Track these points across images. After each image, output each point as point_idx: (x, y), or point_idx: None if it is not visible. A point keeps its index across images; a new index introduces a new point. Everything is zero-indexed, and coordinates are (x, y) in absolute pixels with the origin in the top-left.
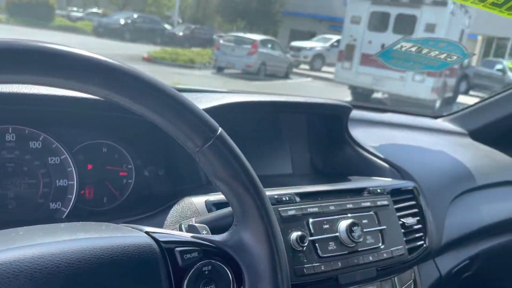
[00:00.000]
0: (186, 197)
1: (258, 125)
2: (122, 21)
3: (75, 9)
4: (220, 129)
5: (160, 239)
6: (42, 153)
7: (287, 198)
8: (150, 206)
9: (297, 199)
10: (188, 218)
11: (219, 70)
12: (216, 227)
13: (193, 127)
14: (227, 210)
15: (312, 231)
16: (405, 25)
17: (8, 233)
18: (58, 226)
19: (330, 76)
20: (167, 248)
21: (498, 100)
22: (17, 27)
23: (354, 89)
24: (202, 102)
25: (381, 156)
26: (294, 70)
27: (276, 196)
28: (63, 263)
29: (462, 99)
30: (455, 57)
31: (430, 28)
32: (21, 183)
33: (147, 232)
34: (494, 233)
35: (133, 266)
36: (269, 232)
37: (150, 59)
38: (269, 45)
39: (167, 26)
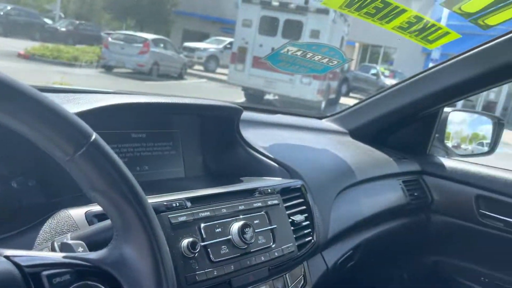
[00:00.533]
0: (63, 209)
1: (147, 128)
2: None
3: None
4: (94, 135)
5: (23, 263)
6: None
7: (178, 204)
8: (19, 222)
9: (188, 204)
10: (64, 234)
11: (108, 69)
12: (95, 243)
13: (60, 133)
14: (108, 222)
15: (204, 236)
16: (293, 30)
17: None
18: None
19: (224, 77)
20: (31, 273)
21: (372, 102)
22: None
23: (247, 91)
24: (80, 104)
25: (271, 156)
26: (189, 71)
27: (165, 203)
28: None
29: (344, 100)
30: (335, 62)
31: (315, 34)
32: None
33: (6, 256)
34: (372, 224)
35: None
36: (153, 243)
37: (27, 56)
38: (162, 45)
39: (47, 21)
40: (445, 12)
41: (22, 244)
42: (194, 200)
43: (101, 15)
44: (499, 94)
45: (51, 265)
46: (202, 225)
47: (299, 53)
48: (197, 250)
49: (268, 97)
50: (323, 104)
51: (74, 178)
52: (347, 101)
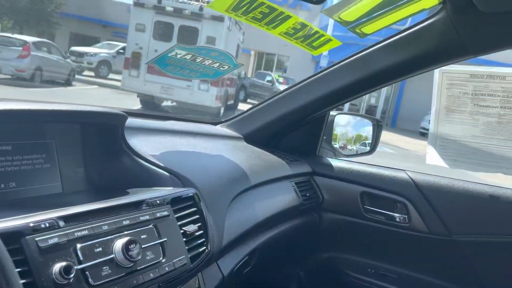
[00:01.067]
0: None
1: (13, 139)
2: None
3: None
4: None
5: None
6: None
7: (47, 224)
8: None
9: (61, 223)
10: None
11: None
12: None
13: None
14: None
15: (82, 258)
16: (189, 36)
17: None
18: None
19: (118, 83)
20: None
21: (264, 107)
22: None
23: (143, 97)
24: None
25: (161, 164)
26: (79, 77)
27: (32, 224)
28: None
29: (242, 106)
30: (226, 66)
31: (211, 40)
32: None
33: None
34: (267, 227)
35: None
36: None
37: None
38: (45, 49)
39: None
40: (331, 21)
41: None
42: (69, 219)
43: None
44: (378, 99)
45: None
46: (79, 245)
47: (188, 57)
48: (72, 275)
49: (167, 103)
50: (222, 110)
51: None
52: (245, 107)
